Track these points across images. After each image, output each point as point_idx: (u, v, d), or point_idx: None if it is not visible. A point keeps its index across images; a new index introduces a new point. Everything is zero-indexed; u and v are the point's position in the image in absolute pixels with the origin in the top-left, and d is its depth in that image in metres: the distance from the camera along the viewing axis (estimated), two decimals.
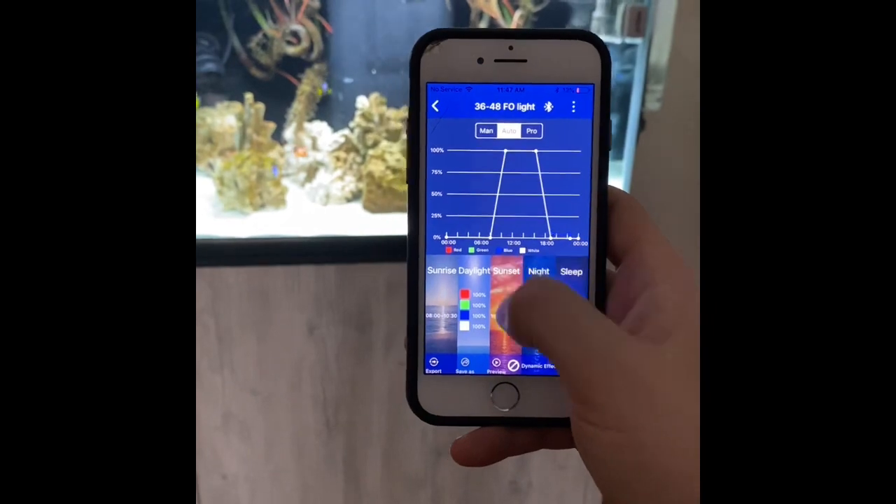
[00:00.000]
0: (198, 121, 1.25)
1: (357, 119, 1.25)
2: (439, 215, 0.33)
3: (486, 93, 0.33)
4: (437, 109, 0.33)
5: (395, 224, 1.18)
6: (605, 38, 1.18)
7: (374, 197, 1.20)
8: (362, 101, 1.25)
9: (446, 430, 1.06)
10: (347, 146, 1.25)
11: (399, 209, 1.20)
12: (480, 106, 0.33)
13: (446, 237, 0.33)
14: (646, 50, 1.09)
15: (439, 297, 0.33)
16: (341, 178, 1.22)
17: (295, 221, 1.18)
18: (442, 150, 0.33)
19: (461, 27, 0.32)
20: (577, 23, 1.31)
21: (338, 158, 1.23)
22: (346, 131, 1.27)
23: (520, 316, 0.29)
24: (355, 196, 1.24)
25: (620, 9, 1.10)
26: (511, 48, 0.33)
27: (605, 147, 0.33)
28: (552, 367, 0.31)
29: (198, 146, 1.25)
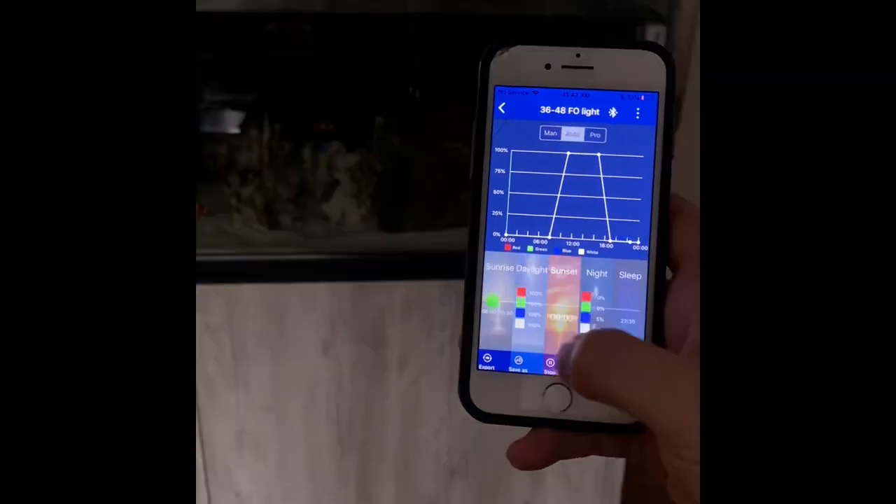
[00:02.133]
0: (217, 138, 1.26)
1: (374, 138, 1.26)
2: (500, 213, 0.34)
3: (552, 97, 0.34)
4: (503, 111, 0.34)
5: (411, 243, 1.18)
6: None
7: (390, 215, 1.20)
8: (380, 121, 1.26)
9: (461, 450, 1.06)
10: (364, 165, 1.25)
11: (413, 228, 1.20)
12: (546, 109, 0.34)
13: (506, 235, 0.34)
14: None
15: (496, 293, 0.34)
16: (357, 196, 1.22)
17: (311, 239, 1.19)
18: (506, 150, 0.34)
19: (530, 34, 0.34)
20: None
21: (354, 177, 1.23)
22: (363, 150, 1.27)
23: (586, 380, 0.29)
24: (371, 214, 1.24)
25: (639, 27, 1.10)
26: (578, 55, 0.34)
27: (669, 154, 0.33)
28: None
29: (217, 164, 1.26)
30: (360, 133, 1.28)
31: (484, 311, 0.34)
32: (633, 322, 0.33)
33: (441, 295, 1.10)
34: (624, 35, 1.15)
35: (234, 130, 1.27)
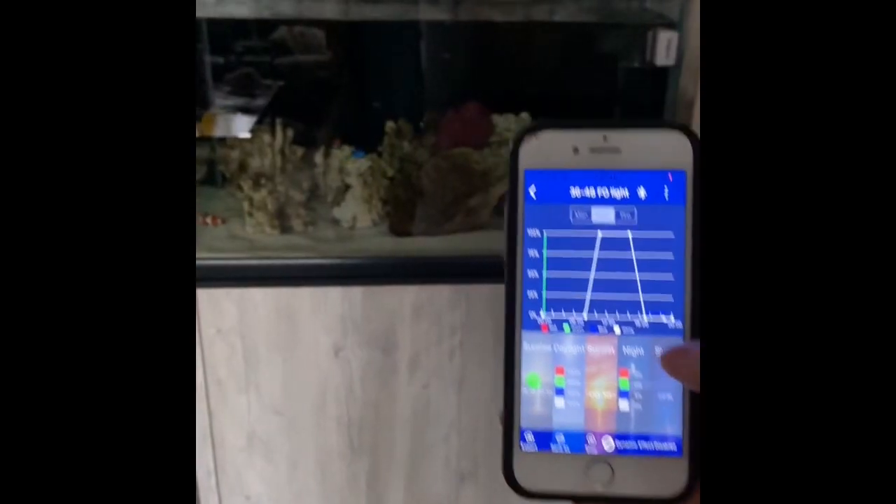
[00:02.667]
0: (230, 143, 1.27)
1: (385, 143, 1.27)
2: (535, 294, 0.34)
3: (582, 179, 0.34)
4: (534, 196, 0.35)
5: (421, 247, 1.19)
6: (634, 62, 1.19)
7: (400, 219, 1.20)
8: (390, 126, 1.27)
9: (470, 454, 1.06)
10: (375, 169, 1.26)
11: (423, 232, 1.20)
12: (575, 192, 0.34)
13: (542, 315, 0.34)
14: (676, 75, 1.09)
15: (535, 372, 0.34)
16: (368, 200, 1.23)
17: (322, 243, 1.19)
18: (538, 232, 0.34)
19: (558, 120, 0.35)
20: (606, 46, 1.31)
21: (365, 182, 1.24)
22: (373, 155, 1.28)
23: None
24: (382, 219, 1.25)
25: (651, 33, 1.10)
26: (605, 138, 0.34)
27: (699, 231, 0.34)
28: (646, 447, 0.33)
29: (230, 168, 1.27)
30: (371, 138, 1.28)
31: (524, 390, 0.34)
32: (671, 397, 0.34)
33: (451, 299, 1.11)
34: (639, 40, 1.16)
35: (246, 135, 1.28)
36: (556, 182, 0.34)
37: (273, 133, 1.23)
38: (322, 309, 1.13)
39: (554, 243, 0.34)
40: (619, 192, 0.34)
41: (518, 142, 0.35)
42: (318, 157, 1.27)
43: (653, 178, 0.34)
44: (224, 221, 1.17)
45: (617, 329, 0.34)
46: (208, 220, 1.17)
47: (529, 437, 0.34)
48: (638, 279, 0.34)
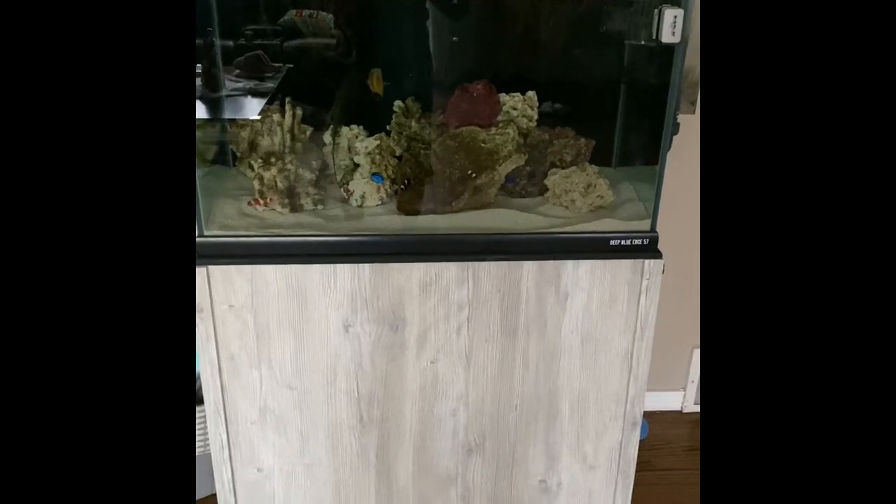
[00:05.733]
0: (242, 122, 1.28)
1: (394, 122, 1.28)
2: None
3: None
4: None
5: (428, 224, 1.20)
6: (640, 40, 1.19)
7: (408, 197, 1.22)
8: (398, 105, 1.28)
9: (477, 428, 1.08)
10: (383, 148, 1.27)
11: (431, 211, 1.22)
12: None
13: None
14: (682, 53, 1.09)
15: None
16: None
17: (331, 221, 1.21)
18: None
19: None
20: (613, 25, 1.31)
21: (373, 161, 1.25)
22: (382, 134, 1.29)
23: None
24: (390, 196, 1.26)
25: (657, 11, 1.10)
26: None
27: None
28: None
29: (240, 148, 1.29)
30: (380, 117, 1.29)
31: None
32: None
33: (458, 275, 1.12)
34: (645, 18, 1.16)
35: (256, 116, 1.29)
36: None
37: (282, 113, 1.24)
38: (332, 285, 1.15)
39: None
40: None
41: None
42: (327, 137, 1.28)
43: None
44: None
45: None
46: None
47: None
48: None
